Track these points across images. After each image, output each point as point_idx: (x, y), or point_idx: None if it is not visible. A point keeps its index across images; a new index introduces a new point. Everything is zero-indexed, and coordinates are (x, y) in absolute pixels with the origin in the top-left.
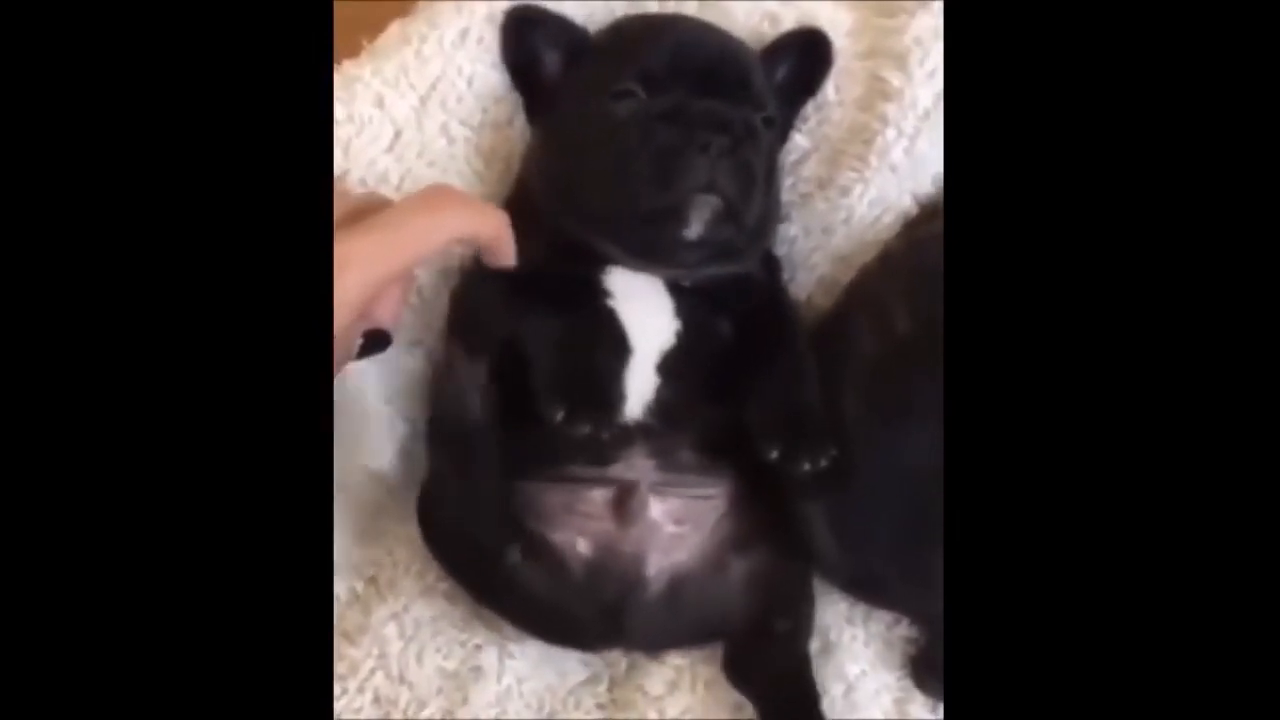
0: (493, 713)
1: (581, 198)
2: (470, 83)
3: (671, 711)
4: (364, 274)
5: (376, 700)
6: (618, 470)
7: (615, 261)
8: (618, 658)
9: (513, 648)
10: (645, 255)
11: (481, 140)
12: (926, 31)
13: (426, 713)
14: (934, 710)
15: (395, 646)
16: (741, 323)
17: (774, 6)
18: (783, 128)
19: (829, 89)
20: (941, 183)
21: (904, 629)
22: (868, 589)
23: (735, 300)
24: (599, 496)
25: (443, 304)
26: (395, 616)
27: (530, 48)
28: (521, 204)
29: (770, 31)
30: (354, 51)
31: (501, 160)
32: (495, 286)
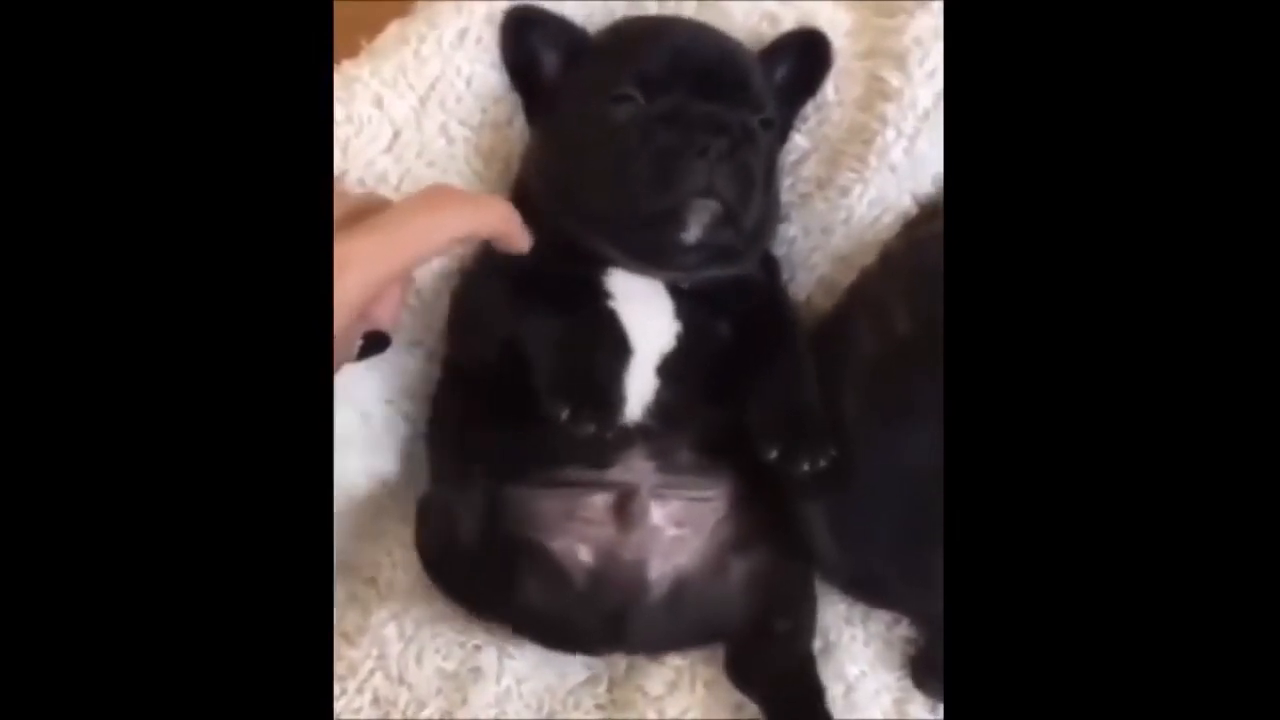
0: (492, 713)
1: (581, 200)
2: (469, 83)
3: (671, 712)
4: (364, 274)
5: (376, 701)
6: (617, 473)
7: (615, 263)
8: (618, 658)
9: (512, 648)
10: (644, 258)
11: (480, 140)
12: (926, 31)
13: (425, 713)
14: (933, 710)
15: (394, 647)
16: (741, 324)
17: (773, 7)
18: (782, 128)
19: (828, 89)
20: (941, 183)
21: (903, 629)
22: (867, 589)
23: (735, 301)
24: (599, 502)
25: (443, 305)
26: (394, 617)
27: (529, 48)
28: (521, 204)
29: (769, 32)
30: (353, 52)
31: (501, 160)
32: (495, 287)
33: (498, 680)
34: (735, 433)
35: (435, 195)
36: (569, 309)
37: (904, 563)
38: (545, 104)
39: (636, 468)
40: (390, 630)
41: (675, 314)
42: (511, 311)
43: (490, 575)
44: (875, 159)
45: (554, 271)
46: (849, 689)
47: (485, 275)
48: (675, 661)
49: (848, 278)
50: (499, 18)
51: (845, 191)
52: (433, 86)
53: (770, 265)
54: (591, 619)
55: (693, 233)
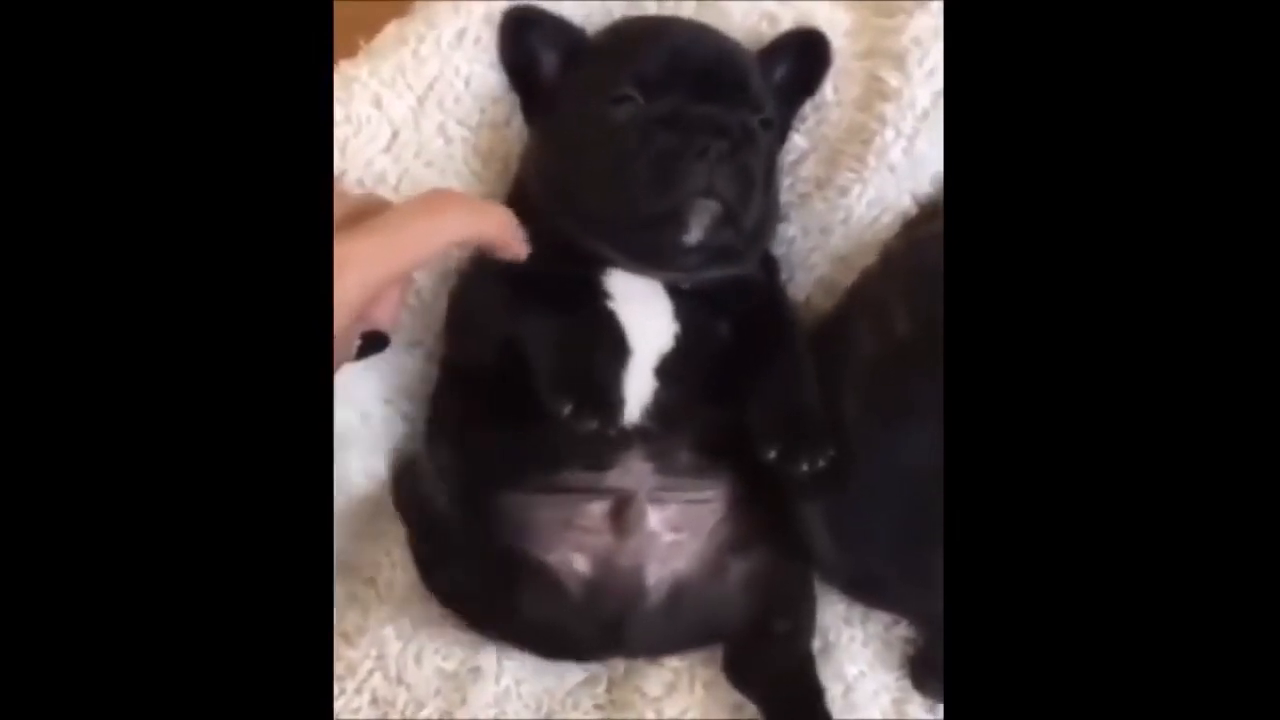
0: (491, 714)
1: (580, 200)
2: (468, 83)
3: (670, 712)
4: (363, 275)
5: (374, 701)
6: (615, 476)
7: (614, 263)
8: (616, 660)
9: (511, 649)
10: (644, 259)
11: (479, 140)
12: (925, 31)
13: (424, 713)
14: (932, 710)
15: (393, 647)
16: (740, 324)
17: (772, 6)
18: (781, 128)
19: (827, 89)
20: (940, 183)
21: (902, 629)
22: (866, 590)
23: (734, 302)
24: (596, 509)
25: (441, 305)
26: (393, 617)
27: (528, 48)
28: (520, 204)
29: (769, 31)
30: (351, 52)
31: (499, 160)
32: (494, 288)
33: (497, 680)
34: (734, 433)
35: (436, 199)
36: (567, 309)
37: (903, 563)
38: (544, 104)
39: (635, 469)
40: (389, 630)
41: (674, 314)
42: (509, 312)
43: (485, 593)
44: (874, 159)
45: (552, 272)
46: (848, 689)
47: (483, 276)
48: (674, 662)
49: (847, 278)
50: (497, 18)
51: (844, 191)
52: (431, 86)
53: (769, 265)
54: (589, 628)
55: (693, 234)
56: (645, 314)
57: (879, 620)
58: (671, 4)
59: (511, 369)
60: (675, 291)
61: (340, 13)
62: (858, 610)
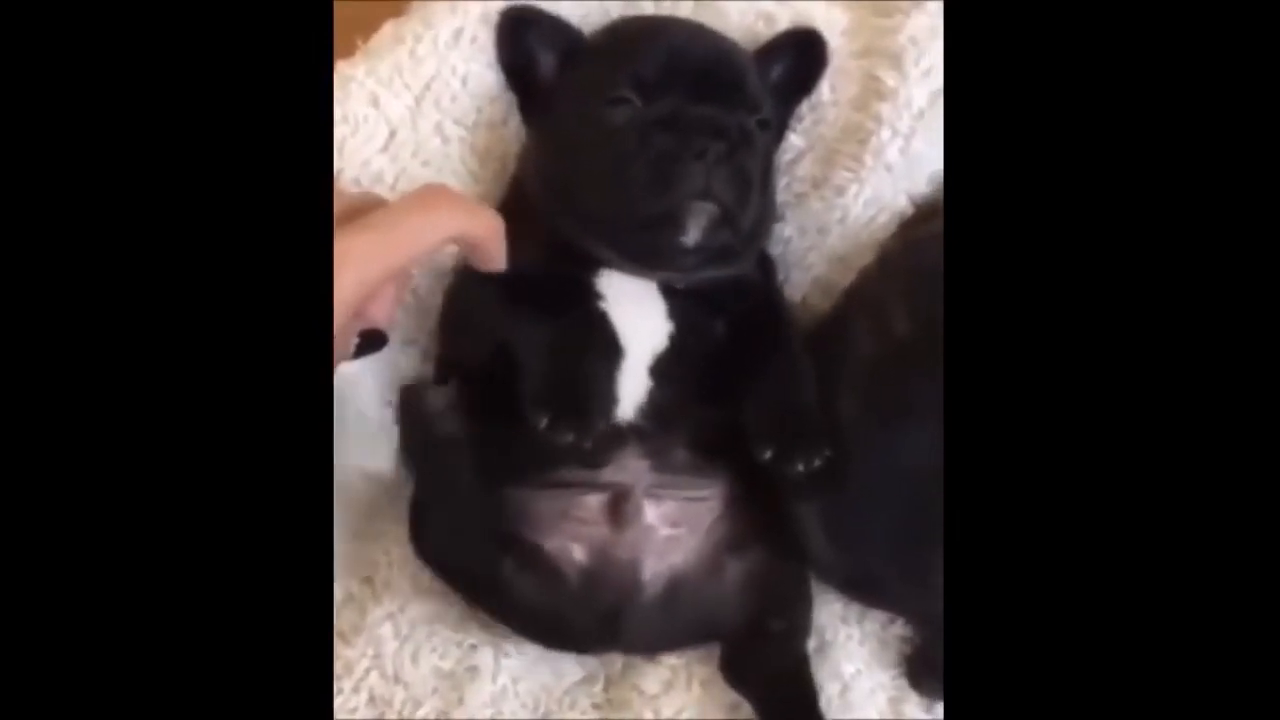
0: (488, 713)
1: (578, 201)
2: (465, 82)
3: (667, 711)
4: (360, 273)
5: (372, 700)
6: (610, 473)
7: (608, 264)
8: (614, 658)
9: (508, 647)
10: (642, 260)
11: (476, 140)
12: (922, 31)
13: (422, 712)
14: (929, 709)
15: (391, 646)
16: (736, 324)
17: (769, 6)
18: (778, 128)
19: (824, 88)
20: (937, 182)
21: (899, 628)
22: (863, 589)
23: (730, 301)
24: (593, 502)
25: (437, 303)
26: (391, 616)
27: (525, 49)
28: (517, 204)
29: (766, 31)
30: (348, 51)
31: (496, 160)
32: (488, 287)
33: (494, 679)
34: (731, 433)
35: (430, 194)
36: (560, 310)
37: (901, 563)
38: (541, 105)
39: (631, 467)
40: (386, 629)
41: (668, 314)
42: (503, 312)
43: (484, 572)
44: (871, 158)
45: (546, 272)
46: (844, 688)
47: (478, 275)
48: (671, 661)
49: (844, 277)
50: (494, 17)
51: (841, 191)
52: (428, 86)
53: (766, 265)
54: (586, 618)
55: (691, 235)
56: (639, 314)
57: (875, 619)
58: (669, 4)
59: (505, 368)
60: (669, 291)
61: (338, 12)
62: (854, 609)
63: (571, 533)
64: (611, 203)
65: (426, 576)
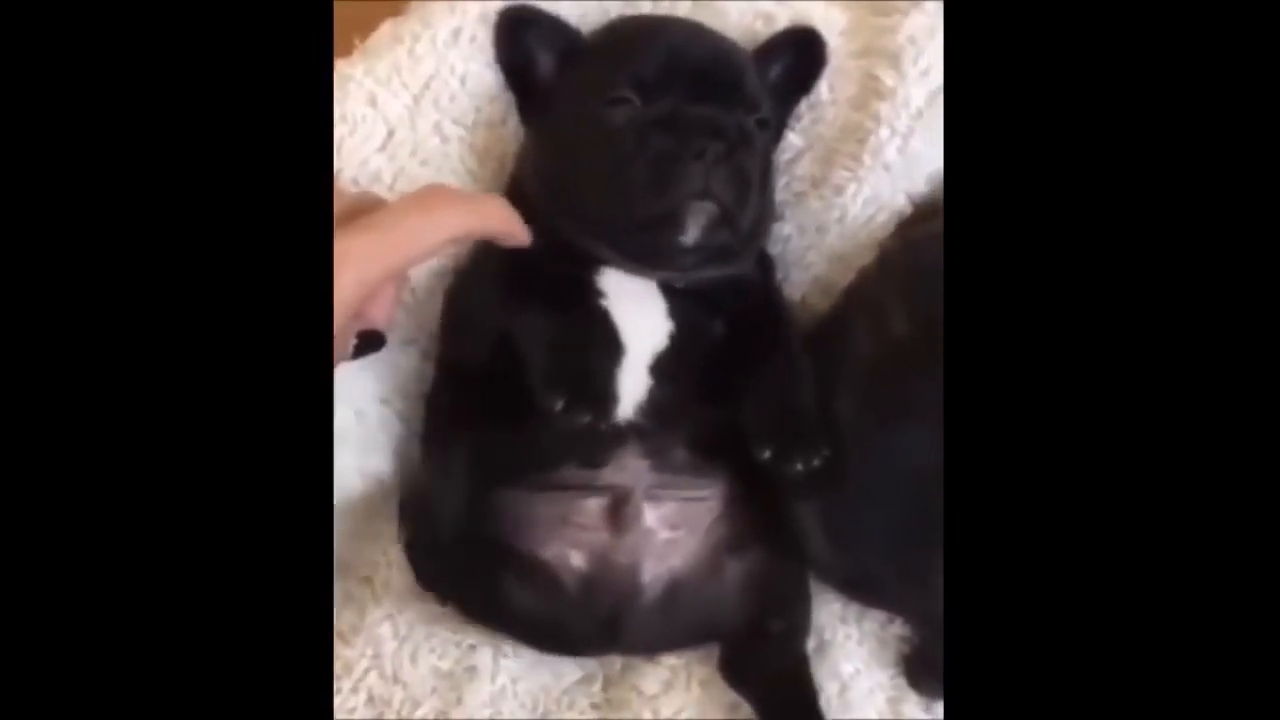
0: (487, 713)
1: (577, 201)
2: (463, 82)
3: (666, 711)
4: (359, 273)
5: (371, 700)
6: (610, 473)
7: (610, 263)
8: (612, 658)
9: (507, 648)
10: (641, 260)
11: (475, 139)
12: (920, 30)
13: (421, 713)
14: (928, 709)
15: (390, 646)
16: (735, 323)
17: (768, 6)
18: (777, 127)
19: (823, 88)
20: (935, 181)
21: (898, 628)
22: (862, 589)
23: (729, 301)
24: (593, 506)
25: (437, 303)
26: (390, 617)
27: (524, 49)
28: (515, 203)
29: (764, 30)
30: (347, 51)
31: (495, 159)
32: (489, 286)
33: (493, 679)
34: (730, 432)
35: (430, 195)
36: (562, 308)
37: (900, 562)
38: (540, 105)
39: (630, 467)
40: (385, 629)
41: (668, 313)
42: (504, 310)
43: (480, 582)
44: (869, 158)
45: (547, 270)
46: (843, 687)
47: (478, 274)
48: (670, 661)
49: (843, 276)
50: (493, 17)
51: (840, 190)
52: (427, 85)
53: (765, 264)
54: (585, 623)
55: (690, 235)
56: (639, 313)
57: (874, 619)
58: (667, 4)
59: (506, 367)
60: (669, 290)
61: (337, 12)
62: (853, 609)
63: (570, 539)
64: (611, 203)
65: None
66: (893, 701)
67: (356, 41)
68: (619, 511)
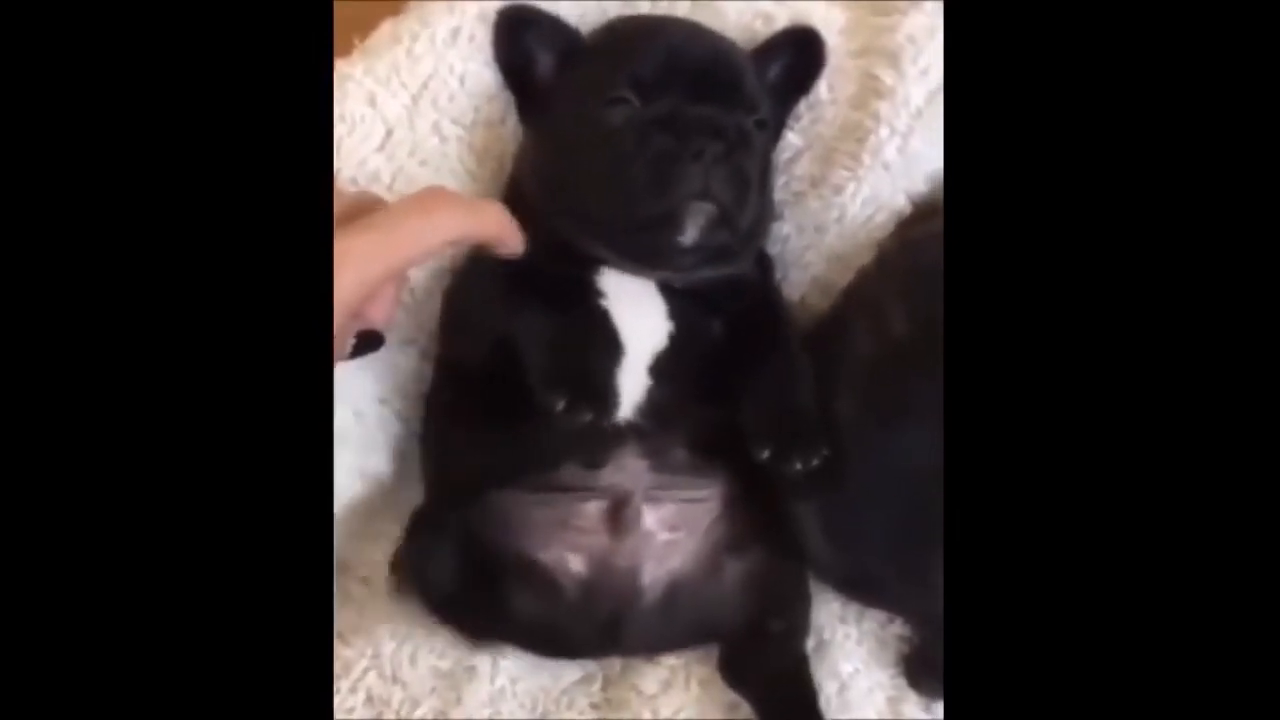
0: (486, 713)
1: (576, 201)
2: (462, 81)
3: (665, 711)
4: (358, 273)
5: (370, 700)
6: (610, 474)
7: (608, 263)
8: (612, 658)
9: (506, 648)
10: (640, 260)
11: (474, 139)
12: (920, 30)
13: (420, 712)
14: (927, 709)
15: (388, 646)
16: (734, 323)
17: (767, 5)
18: (776, 127)
19: (822, 87)
20: (935, 181)
21: (897, 627)
22: (861, 589)
23: (728, 301)
24: (592, 509)
25: (436, 303)
26: (389, 617)
27: (523, 48)
28: (514, 203)
29: (764, 30)
30: (346, 50)
31: (494, 159)
32: (487, 286)
33: (492, 679)
34: (730, 432)
35: (430, 197)
36: (561, 308)
37: (899, 562)
38: (539, 104)
39: (630, 467)
40: (384, 629)
41: (667, 313)
42: (503, 310)
43: (478, 594)
44: (869, 157)
45: (546, 270)
46: (843, 687)
47: (477, 274)
48: (670, 661)
49: (842, 276)
50: (491, 16)
51: (839, 190)
52: (425, 85)
53: (764, 264)
54: (584, 627)
55: (689, 235)
56: (638, 313)
57: (874, 618)
58: (666, 3)
59: (506, 367)
60: (668, 290)
61: (336, 12)
62: (853, 608)
63: (570, 543)
64: (610, 203)
65: None
66: (892, 701)
67: (356, 41)
68: (618, 514)
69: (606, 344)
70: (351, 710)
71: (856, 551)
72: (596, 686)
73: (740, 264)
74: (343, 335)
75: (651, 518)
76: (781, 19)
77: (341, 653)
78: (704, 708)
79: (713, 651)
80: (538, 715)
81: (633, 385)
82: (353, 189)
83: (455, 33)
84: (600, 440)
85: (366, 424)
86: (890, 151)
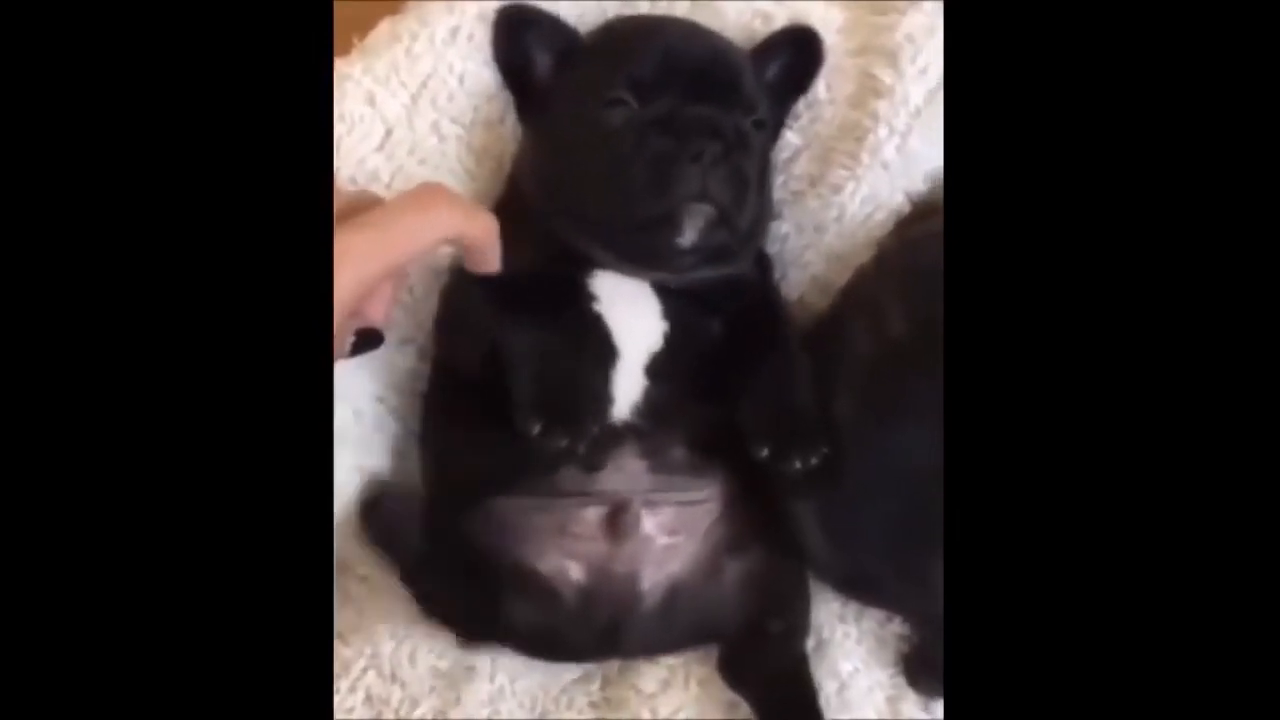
0: (485, 712)
1: (574, 202)
2: (461, 80)
3: (664, 710)
4: (358, 271)
5: (369, 699)
6: (608, 476)
7: (603, 264)
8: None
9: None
10: (639, 261)
11: (473, 138)
12: (918, 29)
13: (419, 712)
14: (926, 708)
15: (387, 646)
16: (733, 322)
17: (766, 5)
18: (774, 126)
19: (820, 86)
20: (934, 180)
21: (896, 626)
22: (860, 588)
23: (727, 300)
24: (590, 516)
25: (433, 302)
26: (387, 616)
27: (522, 48)
28: (512, 203)
29: (762, 29)
30: (345, 49)
31: (493, 158)
32: (482, 288)
33: (491, 679)
34: (728, 432)
35: (427, 193)
36: (553, 312)
37: (898, 561)
38: (537, 104)
39: (628, 468)
40: (383, 629)
41: (663, 314)
42: (494, 316)
43: (477, 602)
44: (867, 156)
45: (539, 273)
46: (842, 686)
47: (472, 276)
48: (669, 660)
49: (840, 276)
50: (491, 15)
51: (837, 189)
52: (424, 84)
53: (762, 263)
54: (583, 634)
55: (688, 236)
56: (633, 314)
57: (873, 617)
58: (665, 3)
59: (500, 370)
60: (663, 290)
61: (335, 12)
62: (852, 608)
63: (569, 550)
64: (608, 204)
65: None
66: (891, 700)
67: (355, 40)
68: (617, 520)
69: (599, 348)
70: (351, 710)
71: (855, 550)
72: (595, 686)
73: (739, 264)
74: (341, 334)
75: (650, 523)
76: (780, 18)
77: (340, 652)
78: (703, 707)
79: (712, 651)
80: (536, 714)
81: (629, 386)
82: (352, 188)
83: (454, 32)
84: (598, 441)
85: (365, 423)
86: (889, 151)
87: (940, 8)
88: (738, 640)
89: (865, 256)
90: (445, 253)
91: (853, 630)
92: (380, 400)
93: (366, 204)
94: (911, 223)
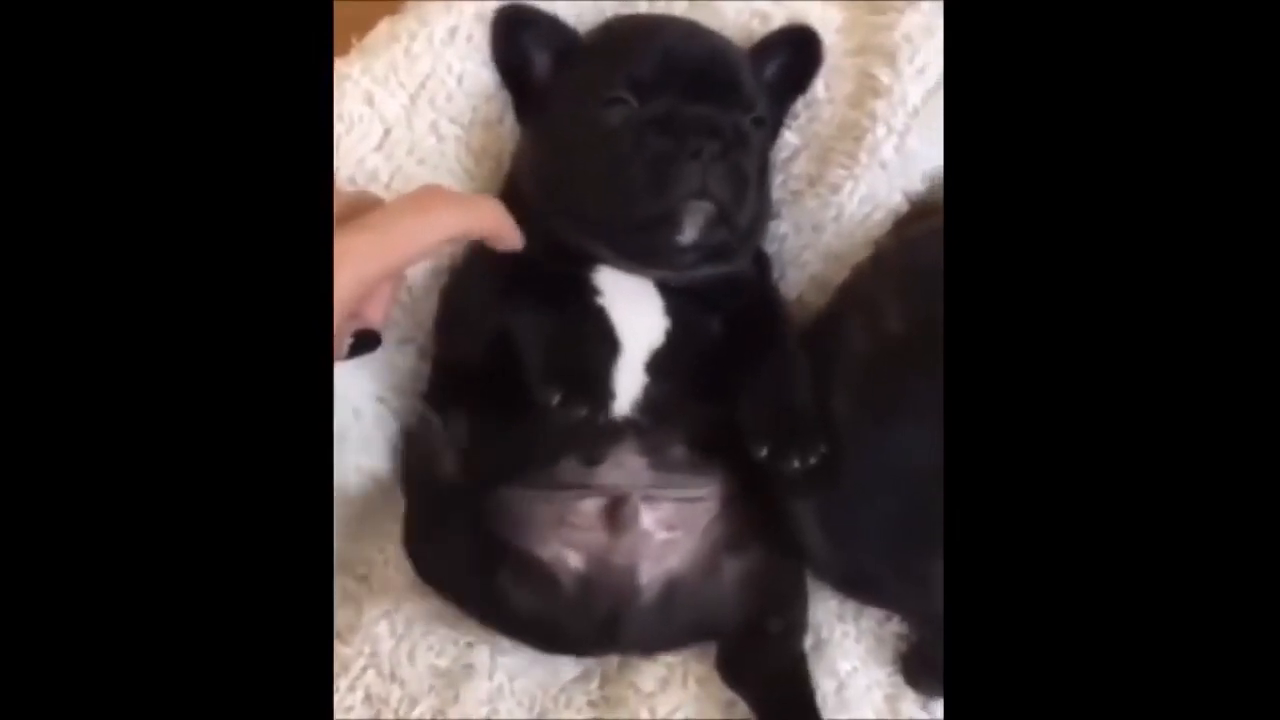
0: (484, 711)
1: (574, 201)
2: (460, 80)
3: (663, 709)
4: (356, 272)
5: (368, 698)
6: (608, 471)
7: (606, 262)
8: (610, 656)
9: (504, 645)
10: (639, 259)
11: (471, 138)
12: (917, 28)
13: (418, 711)
14: (925, 707)
15: (387, 644)
16: (732, 321)
17: (764, 4)
18: (773, 126)
19: (819, 86)
20: (932, 179)
21: (895, 625)
22: (859, 587)
23: (725, 299)
24: (589, 507)
25: (433, 302)
26: (387, 614)
27: (520, 48)
28: (511, 202)
29: (761, 29)
30: (344, 49)
31: (492, 158)
32: (484, 285)
33: (490, 677)
34: (728, 430)
35: (427, 195)
36: (557, 305)
37: (896, 560)
38: (536, 104)
39: (628, 464)
40: (382, 628)
41: (664, 311)
42: (500, 308)
43: (479, 582)
44: (866, 156)
45: (543, 269)
46: (841, 685)
47: (474, 273)
48: (667, 659)
49: (839, 275)
50: (489, 15)
51: (836, 188)
52: (423, 84)
53: (761, 262)
54: (582, 624)
55: (687, 234)
56: (635, 310)
57: (872, 616)
58: (663, 3)
59: (502, 364)
60: (665, 288)
61: (335, 11)
62: (850, 607)
63: (567, 539)
64: (608, 203)
65: None
66: (890, 699)
67: (354, 40)
68: (616, 513)
69: (603, 341)
70: (350, 709)
71: (854, 549)
72: (594, 684)
73: (738, 262)
74: (340, 335)
75: (649, 517)
76: (778, 18)
77: (340, 651)
78: (702, 706)
79: (710, 649)
80: (535, 713)
81: (630, 382)
82: (351, 188)
83: (453, 32)
84: (598, 436)
85: (364, 422)
86: (887, 150)
87: (939, 7)
88: (736, 639)
89: (863, 256)
90: (445, 252)
91: (851, 629)
92: (380, 400)
93: (366, 205)
94: (909, 222)
